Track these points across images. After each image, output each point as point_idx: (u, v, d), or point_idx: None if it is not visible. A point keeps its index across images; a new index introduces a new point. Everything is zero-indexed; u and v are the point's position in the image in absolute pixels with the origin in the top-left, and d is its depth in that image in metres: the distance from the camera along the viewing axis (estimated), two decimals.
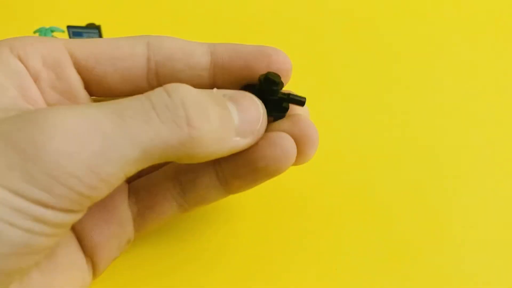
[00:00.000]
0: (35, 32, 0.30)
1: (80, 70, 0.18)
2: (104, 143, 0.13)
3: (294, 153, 0.18)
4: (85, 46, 0.18)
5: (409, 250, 0.23)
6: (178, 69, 0.18)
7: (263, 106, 0.18)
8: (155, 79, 0.19)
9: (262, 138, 0.18)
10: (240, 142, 0.17)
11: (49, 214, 0.13)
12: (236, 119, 0.17)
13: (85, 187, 0.13)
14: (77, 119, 0.13)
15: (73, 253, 0.18)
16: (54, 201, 0.13)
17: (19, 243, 0.13)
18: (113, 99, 0.15)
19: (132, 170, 0.14)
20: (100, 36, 0.31)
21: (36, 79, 0.17)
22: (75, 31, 0.31)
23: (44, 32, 0.30)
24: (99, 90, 0.18)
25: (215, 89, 0.18)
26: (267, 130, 0.18)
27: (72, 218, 0.14)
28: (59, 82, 0.17)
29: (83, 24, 0.31)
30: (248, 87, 0.19)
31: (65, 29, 0.31)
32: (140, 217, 0.20)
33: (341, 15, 0.35)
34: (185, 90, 0.15)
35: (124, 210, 0.20)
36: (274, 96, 0.18)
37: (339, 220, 0.24)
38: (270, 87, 0.18)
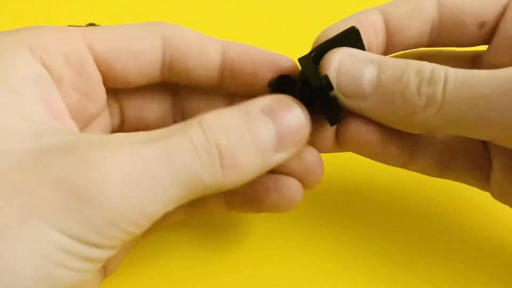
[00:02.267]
0: None
1: (100, 66, 0.18)
2: (154, 186, 0.14)
3: (299, 197, 0.19)
4: (104, 38, 0.17)
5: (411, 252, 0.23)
6: (191, 66, 0.18)
7: (306, 112, 0.17)
8: (168, 72, 0.19)
9: (269, 180, 0.19)
10: (281, 156, 0.17)
11: (98, 253, 0.13)
12: (273, 137, 0.16)
13: (134, 227, 0.14)
14: (131, 163, 0.13)
15: None
16: (106, 242, 0.13)
17: (69, 283, 0.13)
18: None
19: (172, 207, 0.15)
20: None
21: (58, 82, 0.16)
22: None
23: None
24: (116, 83, 0.18)
25: (252, 102, 0.17)
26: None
27: (112, 253, 0.14)
28: (80, 81, 0.17)
29: (83, 24, 0.31)
30: (286, 82, 0.18)
31: None
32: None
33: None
34: (218, 127, 0.15)
35: None
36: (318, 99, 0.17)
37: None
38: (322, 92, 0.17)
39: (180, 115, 0.21)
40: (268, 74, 0.18)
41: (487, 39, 0.19)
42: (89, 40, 0.17)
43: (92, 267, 0.14)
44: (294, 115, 0.17)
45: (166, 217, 0.20)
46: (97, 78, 0.18)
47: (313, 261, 0.22)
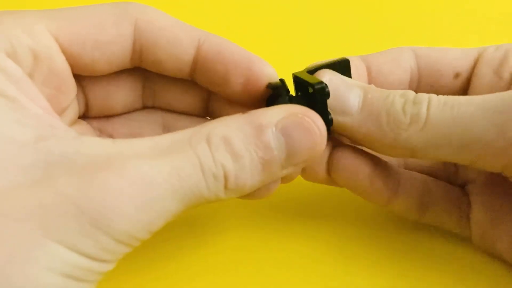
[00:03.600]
0: None
1: (67, 57, 0.17)
2: (160, 207, 0.14)
3: (277, 184, 0.18)
4: (70, 27, 0.17)
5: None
6: (162, 58, 0.18)
7: (324, 126, 0.16)
8: (138, 60, 0.18)
9: None
10: (287, 171, 0.16)
11: (103, 266, 0.14)
12: (283, 155, 0.16)
13: (137, 242, 0.15)
14: (138, 185, 0.14)
15: None
16: (111, 258, 0.14)
17: None
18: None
19: (167, 220, 0.15)
20: None
21: (32, 77, 0.16)
22: None
23: None
24: (84, 72, 0.18)
25: (265, 113, 0.16)
26: None
27: (115, 264, 0.15)
28: (51, 76, 0.17)
29: None
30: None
31: None
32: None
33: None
34: (227, 146, 0.15)
35: None
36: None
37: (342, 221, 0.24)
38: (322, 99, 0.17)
39: (151, 98, 0.20)
40: (239, 79, 0.18)
41: (464, 88, 0.21)
42: (55, 30, 0.16)
43: (99, 277, 0.15)
44: (310, 137, 0.16)
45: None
46: (67, 71, 0.17)
47: (312, 262, 0.22)
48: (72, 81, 0.18)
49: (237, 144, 0.15)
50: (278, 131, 0.15)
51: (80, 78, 0.19)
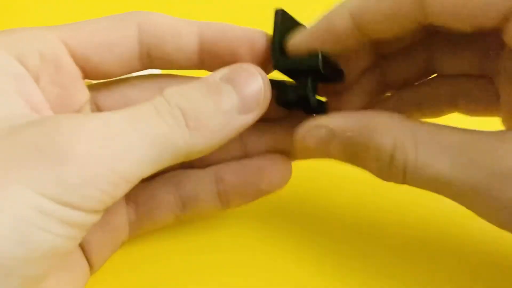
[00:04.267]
0: None
1: (77, 60, 0.18)
2: (122, 144, 0.14)
3: (290, 171, 0.20)
4: (78, 33, 0.18)
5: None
6: (168, 51, 0.18)
7: (264, 75, 0.17)
8: (148, 60, 0.19)
9: (264, 160, 0.20)
10: (246, 119, 0.17)
11: (76, 216, 0.14)
12: (235, 99, 0.17)
13: (110, 186, 0.14)
14: (98, 125, 0.14)
15: (76, 253, 0.19)
16: (83, 202, 0.14)
17: (48, 247, 0.13)
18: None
19: (148, 170, 0.15)
20: None
21: (36, 79, 0.17)
22: None
23: None
24: (96, 76, 0.19)
25: (212, 74, 0.17)
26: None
27: (94, 219, 0.15)
28: (58, 76, 0.17)
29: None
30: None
31: None
32: (137, 223, 0.20)
33: None
34: (180, 95, 0.16)
35: (121, 214, 0.20)
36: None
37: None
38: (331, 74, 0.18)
39: None
40: (246, 51, 0.18)
41: None
42: (64, 36, 0.17)
43: (74, 232, 0.14)
44: (253, 79, 0.17)
45: (155, 221, 0.21)
46: (75, 73, 0.18)
47: (311, 263, 0.22)
48: (81, 84, 0.18)
49: (190, 92, 0.16)
50: (224, 81, 0.17)
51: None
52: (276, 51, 0.18)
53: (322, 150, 0.18)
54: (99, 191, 0.14)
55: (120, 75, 0.19)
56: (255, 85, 0.17)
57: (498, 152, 0.15)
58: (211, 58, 0.19)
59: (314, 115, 0.19)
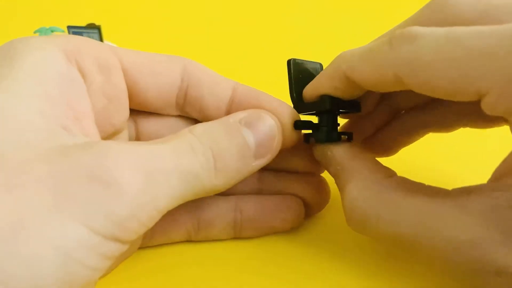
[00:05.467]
0: (35, 32, 0.30)
1: (126, 79, 0.18)
2: (165, 181, 0.15)
3: (303, 215, 0.22)
4: (130, 54, 0.18)
5: None
6: (204, 95, 0.20)
7: (279, 123, 0.19)
8: (182, 99, 0.20)
9: (281, 199, 0.21)
10: (260, 163, 0.18)
11: (115, 247, 0.14)
12: (252, 145, 0.18)
13: (148, 219, 0.15)
14: (147, 158, 0.15)
15: None
16: (124, 235, 0.14)
17: (85, 279, 0.13)
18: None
19: (176, 204, 0.16)
20: (100, 36, 0.31)
21: (90, 85, 0.17)
22: (75, 31, 0.31)
23: (44, 32, 0.30)
24: (135, 102, 0.19)
25: (231, 115, 0.19)
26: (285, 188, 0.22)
27: (125, 248, 0.15)
28: (109, 87, 0.18)
29: (83, 24, 0.31)
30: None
31: (65, 29, 0.31)
32: (150, 237, 0.21)
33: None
34: (209, 136, 0.17)
35: None
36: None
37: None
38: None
39: None
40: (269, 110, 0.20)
41: None
42: (118, 53, 0.18)
43: (106, 265, 0.14)
44: (268, 125, 0.19)
45: (167, 237, 0.21)
46: (124, 88, 0.18)
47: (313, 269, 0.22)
48: (125, 102, 0.19)
49: (215, 133, 0.17)
50: (243, 124, 0.18)
51: (134, 118, 0.20)
52: (293, 98, 0.21)
53: (326, 167, 0.20)
54: (137, 223, 0.14)
55: (156, 107, 0.20)
56: (270, 132, 0.19)
57: (458, 221, 0.15)
58: (237, 111, 0.20)
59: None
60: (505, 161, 0.18)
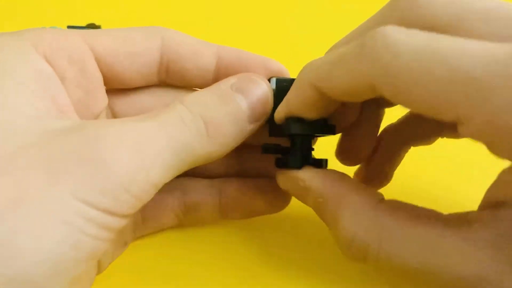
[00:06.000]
0: None
1: (101, 66, 0.18)
2: (155, 153, 0.15)
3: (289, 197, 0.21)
4: (104, 40, 0.18)
5: None
6: (187, 68, 0.19)
7: (268, 84, 0.19)
8: (165, 74, 0.20)
9: (265, 182, 0.21)
10: (254, 127, 0.18)
11: (112, 221, 0.15)
12: (246, 109, 0.18)
13: (142, 192, 0.15)
14: (134, 135, 0.15)
15: None
16: (118, 208, 0.15)
17: (92, 250, 0.14)
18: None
19: (171, 176, 0.16)
20: None
21: (62, 79, 0.17)
22: None
23: None
24: (115, 83, 0.19)
25: (222, 82, 0.18)
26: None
27: (124, 223, 0.15)
28: (83, 79, 0.18)
29: (83, 24, 0.31)
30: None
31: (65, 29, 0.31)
32: (142, 225, 0.21)
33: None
34: (200, 104, 0.17)
35: None
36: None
37: None
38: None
39: None
40: (260, 74, 0.19)
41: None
42: (90, 41, 0.18)
43: (110, 236, 0.15)
44: (261, 90, 0.18)
45: (159, 223, 0.21)
46: (99, 77, 0.18)
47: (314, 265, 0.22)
48: (102, 90, 0.19)
49: (207, 100, 0.17)
50: (235, 89, 0.18)
51: (110, 95, 0.20)
52: (270, 121, 0.19)
53: (300, 198, 0.19)
54: (133, 197, 0.15)
55: (137, 86, 0.20)
56: (261, 94, 0.18)
57: (463, 255, 0.15)
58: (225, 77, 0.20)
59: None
60: (496, 185, 0.16)
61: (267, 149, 0.19)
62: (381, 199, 0.17)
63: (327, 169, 0.19)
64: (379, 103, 0.21)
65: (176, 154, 0.16)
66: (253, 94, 0.18)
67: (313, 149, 0.19)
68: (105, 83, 0.19)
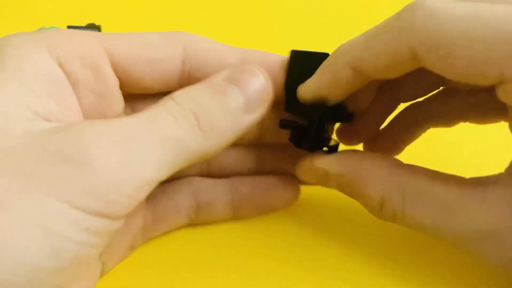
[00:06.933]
0: None
1: (117, 71, 0.18)
2: (142, 149, 0.15)
3: (298, 193, 0.22)
4: (122, 44, 0.18)
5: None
6: (210, 75, 0.19)
7: (266, 75, 0.18)
8: (186, 81, 0.19)
9: (277, 179, 0.22)
10: (252, 118, 0.17)
11: (101, 223, 0.14)
12: (240, 99, 0.17)
13: (133, 191, 0.14)
14: (119, 132, 0.15)
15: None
16: (108, 209, 0.14)
17: (76, 257, 0.13)
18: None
19: (166, 173, 0.15)
20: None
21: (74, 83, 0.17)
22: None
23: None
24: (133, 89, 0.19)
25: (215, 75, 0.18)
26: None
27: (117, 225, 0.15)
28: (96, 83, 0.17)
29: (83, 24, 0.31)
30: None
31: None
32: (152, 226, 0.21)
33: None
34: (190, 98, 0.16)
35: (138, 217, 0.20)
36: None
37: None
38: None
39: None
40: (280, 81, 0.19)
41: None
42: (107, 45, 0.17)
43: (98, 241, 0.14)
44: (256, 79, 0.18)
45: (170, 223, 0.21)
46: (114, 82, 0.18)
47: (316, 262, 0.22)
48: (118, 93, 0.18)
49: (198, 95, 0.17)
50: (228, 82, 0.17)
51: (131, 98, 0.19)
52: (288, 95, 0.19)
53: (323, 184, 0.20)
54: (123, 196, 0.14)
55: (156, 91, 0.19)
56: (258, 84, 0.18)
57: (478, 212, 0.16)
58: None
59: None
60: None
61: (284, 125, 0.20)
62: (399, 164, 0.18)
63: (341, 152, 0.20)
64: (396, 97, 0.22)
65: (168, 149, 0.15)
66: (248, 83, 0.17)
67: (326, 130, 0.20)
68: (122, 87, 0.18)
